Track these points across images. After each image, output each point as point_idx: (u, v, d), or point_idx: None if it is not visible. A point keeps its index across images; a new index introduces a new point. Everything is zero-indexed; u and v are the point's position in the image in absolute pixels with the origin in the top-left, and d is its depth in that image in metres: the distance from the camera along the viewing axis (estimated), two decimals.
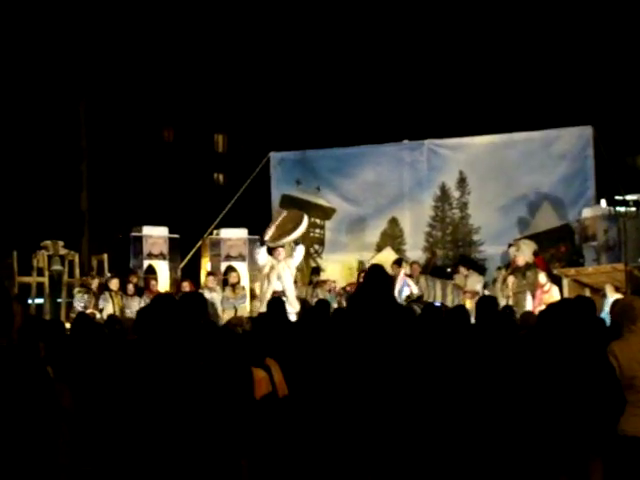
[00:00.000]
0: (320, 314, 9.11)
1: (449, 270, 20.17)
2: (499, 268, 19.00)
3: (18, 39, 37.30)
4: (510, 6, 39.16)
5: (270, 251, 17.59)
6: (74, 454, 3.82)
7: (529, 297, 16.96)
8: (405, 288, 17.69)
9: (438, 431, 6.86)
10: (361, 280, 17.84)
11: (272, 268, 17.34)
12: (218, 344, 6.50)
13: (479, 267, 20.27)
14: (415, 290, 17.79)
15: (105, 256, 20.52)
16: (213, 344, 6.43)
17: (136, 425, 4.54)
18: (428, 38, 40.15)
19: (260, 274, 18.04)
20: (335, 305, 17.20)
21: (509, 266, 18.35)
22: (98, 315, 16.48)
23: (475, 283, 18.65)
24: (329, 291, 18.97)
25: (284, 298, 16.70)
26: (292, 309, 15.74)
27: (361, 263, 20.65)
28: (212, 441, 4.65)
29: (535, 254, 18.22)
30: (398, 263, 18.81)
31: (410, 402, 6.86)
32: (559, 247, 19.39)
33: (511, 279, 17.38)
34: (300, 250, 17.85)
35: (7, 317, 3.76)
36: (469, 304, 16.12)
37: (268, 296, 16.16)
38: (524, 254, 17.75)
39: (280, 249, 17.52)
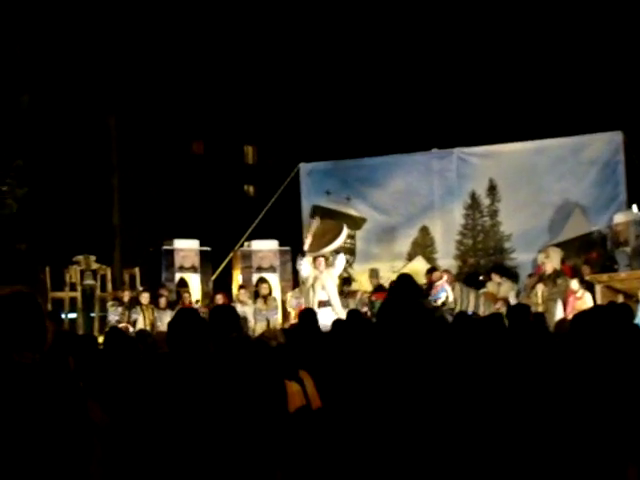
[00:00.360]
0: (352, 324, 9.09)
1: (481, 278, 20.10)
2: (530, 275, 18.95)
3: (47, 55, 37.56)
4: (538, 13, 39.05)
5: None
6: (106, 470, 3.83)
7: (559, 305, 16.90)
8: (442, 294, 17.68)
9: (471, 440, 6.83)
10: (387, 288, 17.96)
11: (316, 279, 17.37)
12: (251, 357, 6.50)
13: (512, 274, 20.20)
14: (451, 297, 17.77)
15: (137, 270, 20.61)
16: (246, 357, 6.44)
17: (169, 439, 4.55)
18: (457, 48, 40.09)
19: (304, 286, 18.07)
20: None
21: (535, 273, 18.33)
22: (131, 329, 16.54)
23: (508, 290, 18.60)
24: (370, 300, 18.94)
25: (329, 308, 16.81)
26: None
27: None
28: (246, 454, 4.66)
29: (562, 261, 18.19)
30: (431, 272, 18.84)
31: (443, 411, 6.84)
32: (591, 253, 19.30)
33: (541, 286, 17.33)
34: (341, 259, 17.86)
35: (41, 333, 3.79)
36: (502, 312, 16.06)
37: (315, 307, 16.25)
38: (553, 261, 17.71)
39: (321, 259, 17.54)
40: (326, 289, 17.28)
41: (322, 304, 17.04)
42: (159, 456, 4.57)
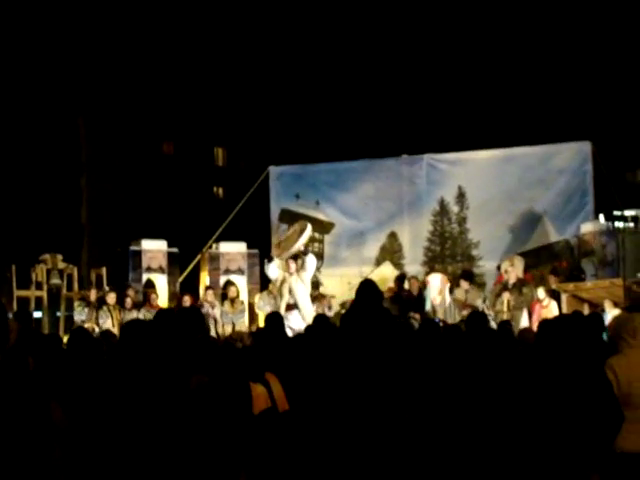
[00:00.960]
0: (319, 329, 9.08)
1: (449, 285, 20.12)
2: (495, 284, 19.01)
3: (17, 54, 37.35)
4: (509, 20, 39.25)
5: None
6: (66, 471, 3.80)
7: (525, 313, 16.98)
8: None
9: (434, 443, 6.84)
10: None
11: (284, 282, 17.27)
12: (216, 359, 6.48)
13: (479, 282, 20.25)
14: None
15: (104, 270, 20.50)
16: (211, 359, 6.42)
17: (130, 441, 4.52)
18: (428, 54, 40.21)
19: (274, 288, 18.01)
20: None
21: (496, 282, 18.42)
22: (97, 329, 16.45)
23: (475, 298, 18.61)
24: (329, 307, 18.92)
25: (296, 311, 16.72)
26: (304, 323, 15.65)
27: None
28: (209, 455, 4.64)
29: (525, 270, 18.30)
30: (401, 279, 18.93)
31: (407, 415, 6.85)
32: (561, 262, 19.40)
33: (506, 295, 17.39)
34: (311, 260, 17.69)
35: (2, 333, 3.75)
36: None
37: (282, 310, 16.16)
38: (517, 270, 17.79)
39: (291, 262, 17.48)
40: (293, 292, 17.17)
41: (290, 307, 16.98)
42: (120, 458, 4.54)
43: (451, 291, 19.20)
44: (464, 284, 18.70)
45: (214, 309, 18.19)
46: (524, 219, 20.76)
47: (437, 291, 18.26)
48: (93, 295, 18.22)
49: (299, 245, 17.96)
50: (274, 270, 17.52)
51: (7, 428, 3.51)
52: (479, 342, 7.64)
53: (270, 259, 17.73)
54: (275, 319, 9.14)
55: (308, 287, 17.62)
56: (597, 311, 14.74)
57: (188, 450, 4.53)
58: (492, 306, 17.58)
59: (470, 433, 6.78)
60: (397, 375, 6.99)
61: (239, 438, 5.63)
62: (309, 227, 18.46)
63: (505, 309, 17.22)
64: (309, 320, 15.78)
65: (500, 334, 9.70)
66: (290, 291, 17.15)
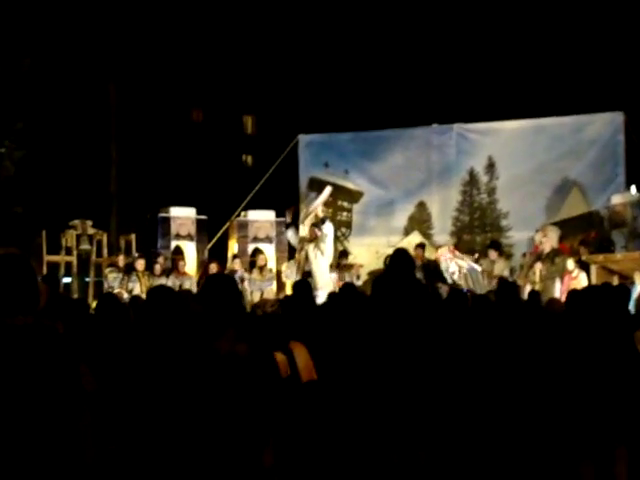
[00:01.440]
0: (346, 298, 9.06)
1: (476, 255, 20.04)
2: (524, 254, 18.91)
3: (50, 19, 37.36)
4: None
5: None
6: (96, 435, 3.83)
7: (558, 284, 16.86)
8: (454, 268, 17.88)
9: (464, 414, 6.84)
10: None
11: (301, 249, 17.32)
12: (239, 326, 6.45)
13: (505, 252, 20.17)
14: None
15: (133, 236, 20.63)
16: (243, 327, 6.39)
17: (155, 408, 4.54)
18: (460, 20, 39.92)
19: (298, 255, 18.10)
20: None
21: (532, 252, 18.30)
22: (126, 295, 16.52)
23: (502, 268, 18.54)
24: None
25: (310, 280, 16.75)
26: (317, 293, 15.65)
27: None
28: (237, 422, 4.63)
29: (559, 240, 18.17)
30: (422, 247, 18.92)
31: (435, 386, 6.84)
32: (589, 233, 19.28)
33: (539, 265, 17.27)
34: (328, 228, 17.66)
35: (32, 296, 3.77)
36: None
37: (299, 277, 16.20)
38: (551, 240, 17.65)
39: (309, 230, 17.50)
40: (309, 260, 17.20)
41: (306, 275, 17.02)
42: (147, 422, 4.56)
43: (477, 262, 19.13)
44: (492, 254, 18.61)
45: (238, 276, 18.26)
46: (554, 190, 20.65)
47: (450, 259, 18.19)
48: (122, 261, 18.34)
49: (316, 205, 17.98)
50: (292, 237, 17.56)
51: (38, 390, 3.54)
52: (508, 312, 7.62)
53: (288, 226, 17.78)
54: (303, 287, 9.14)
55: (326, 256, 17.58)
56: (626, 283, 14.67)
57: (215, 415, 4.53)
58: (525, 277, 17.46)
59: (498, 402, 6.77)
60: (428, 345, 6.97)
61: (266, 406, 5.62)
62: (328, 188, 18.49)
63: (537, 280, 17.12)
64: (321, 289, 15.85)
65: (528, 304, 9.67)
66: (307, 258, 17.20)
